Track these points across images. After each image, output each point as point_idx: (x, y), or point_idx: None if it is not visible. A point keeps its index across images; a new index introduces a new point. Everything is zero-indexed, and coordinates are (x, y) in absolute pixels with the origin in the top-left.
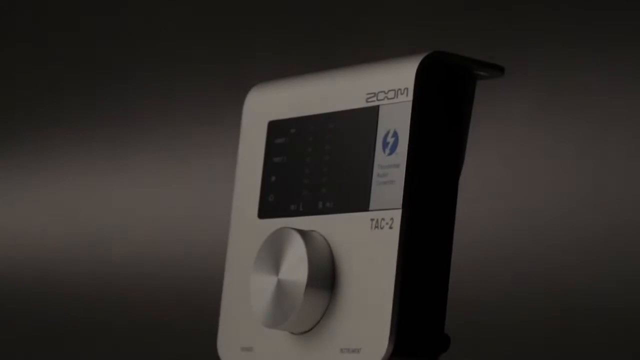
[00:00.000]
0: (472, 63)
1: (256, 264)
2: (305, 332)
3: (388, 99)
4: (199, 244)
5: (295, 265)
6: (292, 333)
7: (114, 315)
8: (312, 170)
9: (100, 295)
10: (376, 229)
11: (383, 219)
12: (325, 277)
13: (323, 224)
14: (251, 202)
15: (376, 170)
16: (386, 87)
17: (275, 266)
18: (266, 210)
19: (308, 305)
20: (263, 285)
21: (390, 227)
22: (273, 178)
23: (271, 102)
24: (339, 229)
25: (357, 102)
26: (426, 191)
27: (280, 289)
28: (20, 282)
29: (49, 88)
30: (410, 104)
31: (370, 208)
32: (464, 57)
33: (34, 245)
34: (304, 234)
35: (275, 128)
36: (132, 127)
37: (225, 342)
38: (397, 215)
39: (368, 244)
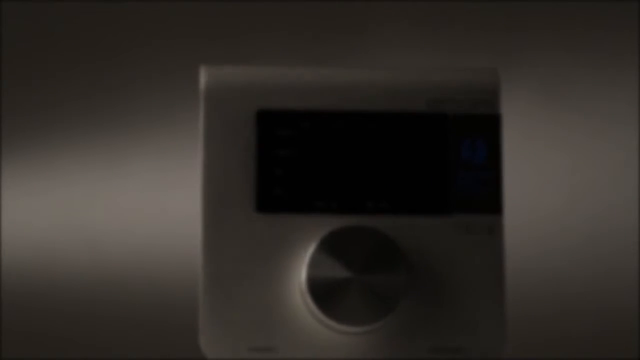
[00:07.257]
0: None
1: (315, 262)
2: (360, 333)
3: (462, 107)
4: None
5: (383, 265)
6: (343, 332)
7: (114, 315)
8: (350, 168)
9: (100, 296)
10: (465, 233)
11: (476, 224)
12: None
13: (378, 224)
14: (240, 195)
15: (457, 175)
16: (457, 96)
17: (344, 265)
18: (270, 205)
19: (404, 306)
20: (328, 284)
21: (489, 232)
22: (279, 171)
23: (257, 90)
24: (403, 229)
25: (409, 105)
26: None
27: (367, 289)
28: (20, 283)
29: (48, 88)
30: (500, 115)
31: (454, 212)
32: None
33: (34, 247)
34: (385, 233)
35: (273, 119)
36: (133, 128)
37: (218, 341)
38: (498, 220)
39: (456, 246)
